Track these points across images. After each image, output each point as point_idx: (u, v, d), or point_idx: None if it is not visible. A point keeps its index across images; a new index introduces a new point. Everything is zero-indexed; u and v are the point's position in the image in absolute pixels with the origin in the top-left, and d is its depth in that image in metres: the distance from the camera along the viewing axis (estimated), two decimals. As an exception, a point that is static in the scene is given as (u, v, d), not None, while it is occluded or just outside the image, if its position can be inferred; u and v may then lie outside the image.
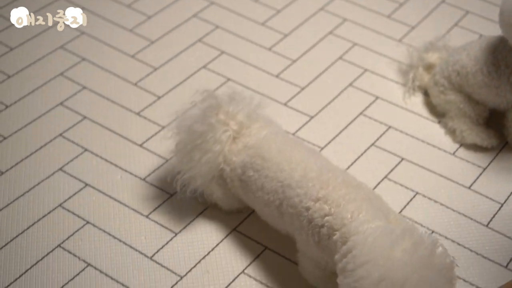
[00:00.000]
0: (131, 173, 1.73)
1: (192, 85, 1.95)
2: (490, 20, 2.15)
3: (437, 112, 1.87)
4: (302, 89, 1.95)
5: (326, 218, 1.37)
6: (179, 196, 1.61)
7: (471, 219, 1.64)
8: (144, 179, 1.72)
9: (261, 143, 1.54)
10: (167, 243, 1.59)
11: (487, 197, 1.69)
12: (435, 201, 1.67)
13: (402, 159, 1.77)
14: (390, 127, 1.85)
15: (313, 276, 1.48)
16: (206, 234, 1.61)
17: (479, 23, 2.15)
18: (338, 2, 2.21)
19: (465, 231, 1.62)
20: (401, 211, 1.65)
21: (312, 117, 1.87)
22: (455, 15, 2.18)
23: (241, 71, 1.99)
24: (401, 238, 1.26)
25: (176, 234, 1.61)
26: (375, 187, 1.70)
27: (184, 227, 1.62)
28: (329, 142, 1.81)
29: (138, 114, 1.87)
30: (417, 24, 2.14)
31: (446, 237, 1.60)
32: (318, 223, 1.39)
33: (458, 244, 1.59)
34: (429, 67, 1.94)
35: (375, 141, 1.81)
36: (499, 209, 1.66)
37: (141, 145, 1.79)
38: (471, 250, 1.58)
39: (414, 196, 1.69)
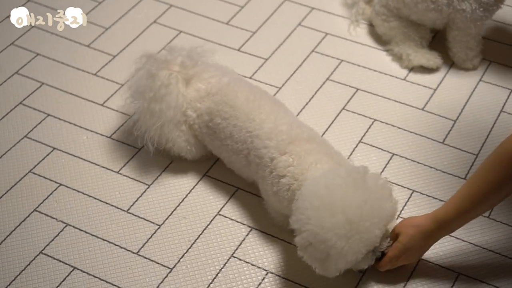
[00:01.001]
0: (96, 133, 1.76)
1: (145, 41, 1.97)
2: None
3: (384, 41, 1.94)
4: (253, 33, 1.99)
5: (289, 168, 1.45)
6: (152, 153, 1.64)
7: (428, 138, 1.72)
8: (110, 137, 1.75)
9: (226, 90, 1.58)
10: (141, 195, 1.63)
11: (440, 116, 1.77)
12: (392, 125, 1.75)
13: (357, 89, 1.84)
14: (342, 61, 1.91)
15: (278, 220, 1.55)
16: (178, 182, 1.66)
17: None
18: None
19: (423, 150, 1.70)
20: (361, 138, 1.73)
21: (266, 60, 1.92)
22: None
23: (192, 22, 2.02)
24: (337, 170, 1.37)
25: (149, 186, 1.65)
26: (334, 119, 1.77)
27: (156, 178, 1.66)
28: (286, 81, 1.86)
29: (95, 74, 1.89)
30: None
31: (406, 158, 1.68)
32: (279, 173, 1.45)
33: (418, 163, 1.67)
34: (369, 0, 1.99)
35: (329, 76, 1.87)
36: (453, 125, 1.75)
37: (102, 105, 1.82)
38: (430, 167, 1.67)
39: (372, 123, 1.76)
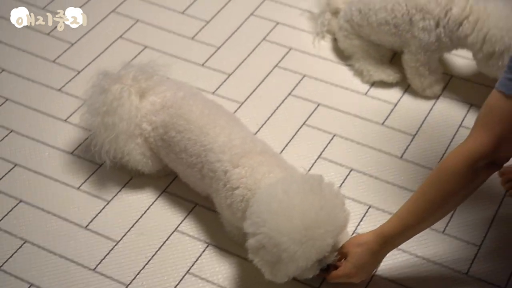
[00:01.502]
0: (58, 149, 1.77)
1: (111, 56, 1.98)
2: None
3: (346, 56, 1.95)
4: (218, 48, 2.00)
5: (242, 180, 1.46)
6: (108, 166, 1.65)
7: (386, 153, 1.74)
8: (72, 153, 1.76)
9: (181, 103, 1.59)
10: (100, 211, 1.64)
11: (399, 130, 1.78)
12: (352, 140, 1.76)
13: (319, 104, 1.85)
14: (305, 75, 1.92)
15: (233, 234, 1.57)
16: (137, 198, 1.67)
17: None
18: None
19: (381, 165, 1.71)
20: (321, 154, 1.74)
21: (229, 75, 1.93)
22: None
23: (157, 37, 2.03)
24: (294, 177, 1.40)
25: (108, 202, 1.66)
26: (294, 135, 1.78)
27: (116, 194, 1.68)
28: (248, 97, 1.87)
29: (59, 90, 1.90)
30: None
31: (364, 173, 1.69)
32: (233, 185, 1.47)
33: (376, 178, 1.69)
34: (336, 12, 1.99)
35: (291, 91, 1.88)
36: (411, 140, 1.76)
37: (65, 120, 1.83)
38: (387, 182, 1.68)
39: (332, 138, 1.77)
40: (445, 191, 1.31)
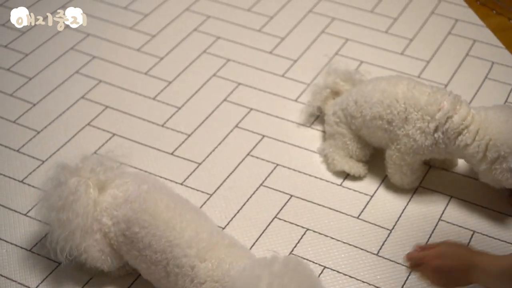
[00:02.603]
0: (16, 245, 1.68)
1: (77, 144, 1.91)
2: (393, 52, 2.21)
3: (323, 137, 1.88)
4: (189, 136, 1.93)
5: (209, 273, 1.40)
6: (63, 264, 1.56)
7: (362, 249, 1.65)
8: (30, 250, 1.67)
9: (145, 197, 1.52)
10: (56, 314, 1.55)
11: (375, 225, 1.70)
12: (325, 236, 1.68)
13: (291, 196, 1.77)
14: (277, 165, 1.85)
15: None
16: (96, 300, 1.58)
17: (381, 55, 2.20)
18: (220, 43, 2.21)
19: (356, 263, 1.62)
20: (292, 250, 1.65)
21: (199, 164, 1.85)
22: (336, 42, 2.21)
23: (126, 124, 1.96)
24: (271, 258, 1.33)
25: (66, 304, 1.57)
26: (265, 229, 1.69)
27: (74, 296, 1.58)
28: (218, 188, 1.79)
29: (21, 182, 1.82)
30: (298, 58, 2.16)
31: (338, 271, 1.60)
32: (200, 280, 1.39)
33: (350, 277, 1.59)
34: (336, 93, 1.91)
35: (263, 181, 1.81)
36: (388, 235, 1.67)
37: (26, 214, 1.74)
38: (363, 282, 1.58)
39: (304, 233, 1.68)
40: None
